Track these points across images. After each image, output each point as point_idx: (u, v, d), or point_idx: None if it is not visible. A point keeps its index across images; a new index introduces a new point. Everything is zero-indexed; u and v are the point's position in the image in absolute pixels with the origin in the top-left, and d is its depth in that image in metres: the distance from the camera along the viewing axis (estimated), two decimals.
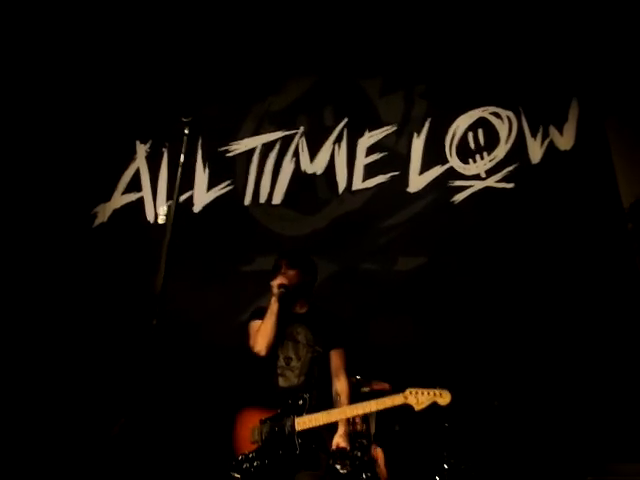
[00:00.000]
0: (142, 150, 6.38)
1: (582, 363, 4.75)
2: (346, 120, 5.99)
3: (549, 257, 5.14)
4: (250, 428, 3.63)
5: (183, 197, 5.85)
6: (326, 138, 5.99)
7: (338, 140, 5.96)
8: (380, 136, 5.87)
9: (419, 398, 3.37)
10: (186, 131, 2.85)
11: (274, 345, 3.78)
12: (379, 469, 4.74)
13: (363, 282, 5.49)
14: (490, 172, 5.55)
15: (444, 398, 3.38)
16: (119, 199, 6.32)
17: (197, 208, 6.11)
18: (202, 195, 6.13)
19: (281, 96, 6.23)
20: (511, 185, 5.46)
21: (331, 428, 3.66)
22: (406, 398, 3.40)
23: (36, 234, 6.07)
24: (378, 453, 4.89)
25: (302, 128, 6.09)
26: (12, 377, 5.46)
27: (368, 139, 5.88)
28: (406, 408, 4.78)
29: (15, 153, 6.22)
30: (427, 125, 5.79)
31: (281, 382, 3.75)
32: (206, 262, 5.89)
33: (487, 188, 5.52)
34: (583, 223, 5.16)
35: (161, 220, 5.91)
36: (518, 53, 5.64)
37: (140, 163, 6.36)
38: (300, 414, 3.54)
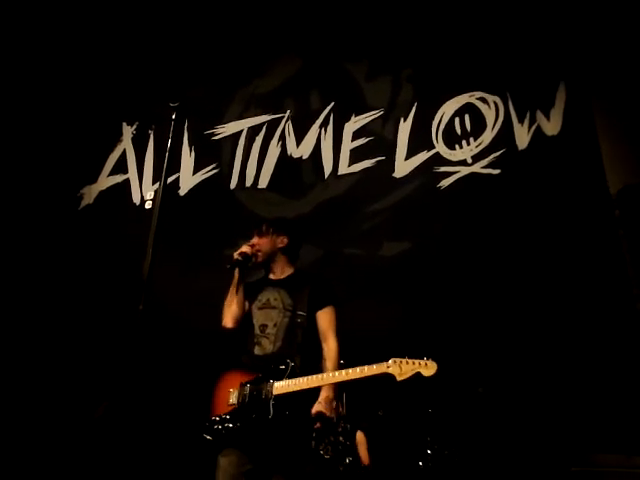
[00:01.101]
0: (128, 132, 6.37)
1: (567, 353, 4.73)
2: (332, 104, 5.97)
3: (535, 244, 5.12)
4: (229, 391, 3.54)
5: (169, 180, 5.81)
6: (312, 122, 5.97)
7: (324, 124, 5.94)
8: (366, 120, 5.85)
9: (402, 368, 3.19)
10: (173, 116, 2.82)
11: (245, 315, 3.74)
12: (361, 454, 4.77)
13: (347, 267, 5.48)
14: (476, 158, 5.52)
15: (429, 369, 3.18)
16: (105, 181, 6.31)
17: (183, 191, 6.11)
18: (188, 178, 6.13)
19: (267, 79, 6.20)
20: (497, 171, 5.43)
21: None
22: (389, 367, 3.23)
23: (22, 215, 6.05)
24: (360, 438, 4.93)
25: (288, 112, 6.06)
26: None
27: (354, 123, 5.86)
28: (393, 391, 4.89)
29: (1, 134, 6.19)
30: (414, 110, 5.76)
31: (256, 350, 3.64)
32: (191, 246, 5.88)
33: (473, 174, 5.49)
34: (570, 210, 5.13)
35: (148, 205, 5.92)
36: (505, 37, 5.59)
37: (126, 145, 6.35)
38: (280, 379, 3.44)
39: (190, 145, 6.16)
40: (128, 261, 5.60)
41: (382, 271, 5.41)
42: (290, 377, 3.43)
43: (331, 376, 3.39)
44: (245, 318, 3.74)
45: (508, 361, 4.82)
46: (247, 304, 3.77)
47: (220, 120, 6.19)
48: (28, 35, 6.30)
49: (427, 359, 3.19)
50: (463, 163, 5.54)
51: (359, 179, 5.76)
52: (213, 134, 6.16)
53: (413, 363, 3.21)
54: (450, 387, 4.82)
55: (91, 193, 6.26)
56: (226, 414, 3.47)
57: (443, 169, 5.56)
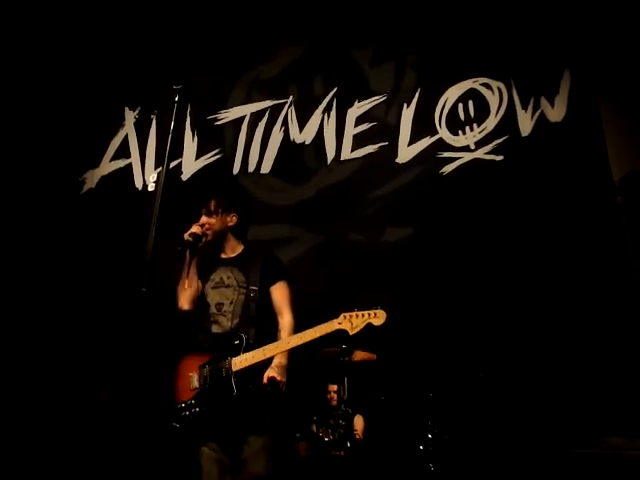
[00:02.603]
0: (131, 117, 6.35)
1: (569, 336, 4.75)
2: (336, 89, 5.95)
3: (537, 230, 5.13)
4: (189, 375, 3.50)
5: (172, 164, 5.81)
6: (315, 107, 5.96)
7: (327, 109, 5.92)
8: (370, 106, 5.83)
9: (353, 322, 3.18)
10: (176, 99, 2.80)
11: (200, 296, 3.68)
12: (357, 436, 4.79)
13: (350, 252, 5.48)
14: (479, 144, 5.52)
15: (378, 318, 3.17)
16: (107, 165, 6.30)
17: (185, 176, 6.10)
18: (191, 163, 6.12)
19: (271, 65, 6.17)
20: (500, 157, 5.43)
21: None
22: (340, 323, 3.22)
23: (24, 200, 6.05)
24: (358, 421, 4.94)
25: (292, 97, 6.04)
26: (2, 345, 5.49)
27: (357, 109, 5.84)
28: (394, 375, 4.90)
29: (3, 118, 6.18)
30: (417, 96, 5.75)
31: (214, 328, 3.59)
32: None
33: (476, 160, 5.50)
34: (573, 196, 5.13)
35: (151, 187, 5.91)
36: (510, 24, 5.57)
37: (129, 129, 6.34)
38: (237, 354, 3.40)
39: (193, 130, 6.14)
40: (130, 245, 5.62)
41: (385, 256, 5.41)
42: (246, 351, 3.39)
43: (286, 342, 3.38)
44: (199, 298, 3.68)
45: (509, 346, 4.84)
46: (200, 284, 3.70)
47: (223, 105, 6.17)
48: (30, 20, 6.28)
49: (376, 308, 3.18)
50: (466, 149, 5.54)
51: (362, 164, 5.75)
52: (216, 119, 6.15)
53: (362, 315, 3.20)
54: (451, 372, 4.84)
55: (93, 178, 6.25)
56: (190, 399, 3.43)
57: (446, 155, 5.56)
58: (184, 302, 3.65)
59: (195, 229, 3.66)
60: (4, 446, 5.05)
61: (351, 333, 3.17)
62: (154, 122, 6.21)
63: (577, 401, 4.56)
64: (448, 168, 5.52)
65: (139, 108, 6.31)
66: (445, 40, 5.72)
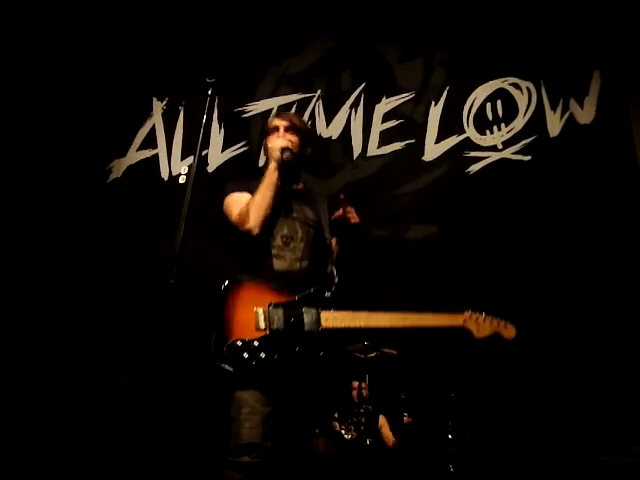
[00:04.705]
0: (159, 107, 6.36)
1: (600, 341, 4.72)
2: (364, 85, 5.93)
3: (564, 232, 5.10)
4: (253, 310, 2.83)
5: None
6: (343, 102, 5.94)
7: (355, 105, 5.90)
8: (397, 103, 5.81)
9: (480, 325, 2.86)
10: (209, 92, 2.71)
11: (269, 222, 3.03)
12: (384, 435, 4.81)
13: (374, 248, 5.48)
14: (507, 144, 5.49)
15: (509, 331, 2.88)
16: (134, 155, 6.32)
17: (211, 168, 6.11)
18: (217, 155, 6.12)
19: (299, 58, 6.15)
20: (528, 158, 5.40)
21: None
22: (465, 322, 2.88)
23: (51, 187, 6.10)
24: (381, 421, 4.96)
25: (319, 91, 6.03)
26: (26, 333, 5.54)
27: (385, 105, 5.82)
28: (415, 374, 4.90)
29: (31, 107, 6.23)
30: (445, 94, 5.72)
31: (277, 264, 3.01)
32: (218, 222, 5.89)
33: (503, 160, 5.47)
34: (600, 199, 5.10)
35: (181, 180, 5.94)
36: (541, 23, 5.52)
37: (156, 120, 6.35)
38: (326, 308, 2.86)
39: (220, 122, 6.16)
40: (155, 236, 5.68)
41: (409, 253, 5.42)
42: (337, 308, 2.88)
43: (402, 317, 2.88)
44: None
45: (534, 348, 4.80)
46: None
47: (251, 98, 6.16)
48: (62, 9, 6.31)
49: (506, 320, 2.90)
50: (493, 149, 5.51)
51: (388, 161, 5.74)
52: (243, 111, 6.15)
53: (492, 322, 2.89)
54: (473, 372, 4.84)
55: (120, 167, 6.28)
56: (252, 340, 2.77)
57: (473, 154, 5.53)
58: (257, 223, 2.97)
59: (286, 142, 3.11)
60: (24, 434, 5.11)
61: (477, 336, 2.88)
62: (182, 113, 6.22)
63: (609, 406, 4.54)
64: (475, 167, 5.49)
65: (167, 99, 6.33)
66: (474, 39, 5.68)
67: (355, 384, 5.06)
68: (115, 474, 4.61)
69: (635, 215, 5.02)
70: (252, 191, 3.06)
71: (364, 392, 4.81)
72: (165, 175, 6.20)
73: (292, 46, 6.18)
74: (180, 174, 6.04)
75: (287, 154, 3.05)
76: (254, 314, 2.81)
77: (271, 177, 3.02)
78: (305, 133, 3.27)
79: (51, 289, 5.74)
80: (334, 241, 3.21)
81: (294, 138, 3.15)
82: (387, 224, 5.58)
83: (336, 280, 3.05)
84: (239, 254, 3.16)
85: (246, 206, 3.01)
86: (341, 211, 3.09)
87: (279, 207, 3.06)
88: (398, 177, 5.68)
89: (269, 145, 3.17)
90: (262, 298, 2.86)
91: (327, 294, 2.90)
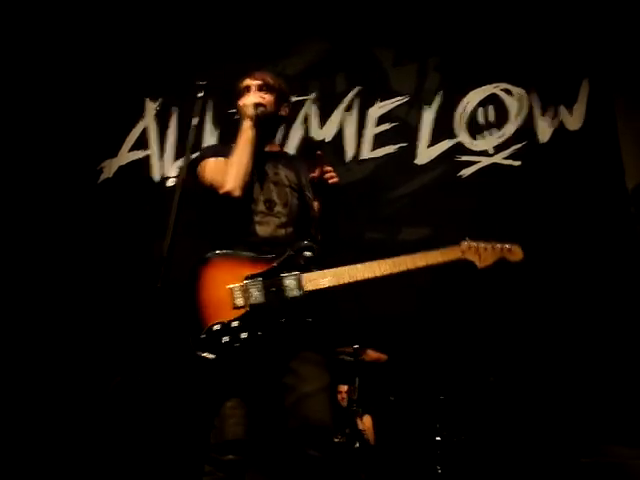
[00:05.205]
0: (151, 108, 6.35)
1: (582, 343, 4.81)
2: (358, 88, 5.98)
3: (552, 237, 5.18)
4: (227, 288, 2.53)
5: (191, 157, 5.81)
6: (337, 105, 5.98)
7: (349, 108, 5.95)
8: (391, 106, 5.87)
9: (481, 253, 2.59)
10: (200, 95, 2.66)
11: (250, 186, 2.74)
12: (367, 436, 4.81)
13: (366, 251, 5.49)
14: (498, 149, 5.58)
15: (514, 254, 2.61)
16: (126, 156, 6.28)
17: None
18: None
19: (293, 61, 6.17)
20: (518, 163, 5.49)
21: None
22: (464, 253, 2.62)
23: (41, 187, 6.06)
24: (367, 421, 4.97)
25: (313, 94, 6.07)
26: (16, 333, 5.49)
27: (379, 109, 5.88)
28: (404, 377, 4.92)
29: (23, 105, 6.19)
30: (438, 98, 5.79)
31: (260, 230, 2.72)
32: (206, 225, 5.88)
33: (494, 164, 5.56)
34: (588, 205, 5.21)
35: (171, 182, 5.92)
36: (533, 31, 5.63)
37: (149, 121, 6.33)
38: (306, 269, 2.56)
39: (213, 123, 6.16)
40: (145, 237, 5.66)
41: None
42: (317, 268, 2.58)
43: (390, 263, 2.58)
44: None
45: (521, 351, 4.88)
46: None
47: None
48: (54, 9, 6.29)
49: (510, 243, 2.63)
50: (485, 153, 5.59)
51: (381, 164, 5.79)
52: (236, 113, 6.15)
53: (493, 248, 2.62)
54: (461, 375, 4.88)
55: (111, 167, 6.24)
56: (231, 320, 2.48)
57: (465, 158, 5.61)
58: (237, 185, 2.67)
59: (258, 98, 2.90)
60: (16, 436, 5.07)
61: (480, 266, 2.60)
62: (175, 115, 6.21)
63: (587, 408, 4.61)
64: (466, 171, 5.57)
65: (160, 100, 6.31)
66: (468, 44, 5.77)
67: (343, 388, 5.06)
68: (98, 469, 4.61)
69: (621, 219, 5.12)
70: (228, 156, 2.81)
71: (353, 395, 4.81)
72: (157, 176, 6.18)
73: (287, 48, 6.20)
74: (169, 177, 6.02)
75: (261, 109, 2.86)
76: (229, 292, 2.53)
77: (247, 134, 2.80)
78: (280, 91, 3.01)
79: (40, 289, 5.70)
80: (316, 204, 2.92)
81: (268, 96, 2.94)
82: (380, 226, 5.63)
83: (319, 238, 2.82)
84: (216, 224, 2.85)
85: (221, 169, 2.74)
86: (318, 171, 2.81)
87: (258, 170, 2.82)
88: (391, 180, 5.73)
89: (240, 104, 2.95)
90: (236, 272, 2.55)
91: (307, 253, 2.60)
